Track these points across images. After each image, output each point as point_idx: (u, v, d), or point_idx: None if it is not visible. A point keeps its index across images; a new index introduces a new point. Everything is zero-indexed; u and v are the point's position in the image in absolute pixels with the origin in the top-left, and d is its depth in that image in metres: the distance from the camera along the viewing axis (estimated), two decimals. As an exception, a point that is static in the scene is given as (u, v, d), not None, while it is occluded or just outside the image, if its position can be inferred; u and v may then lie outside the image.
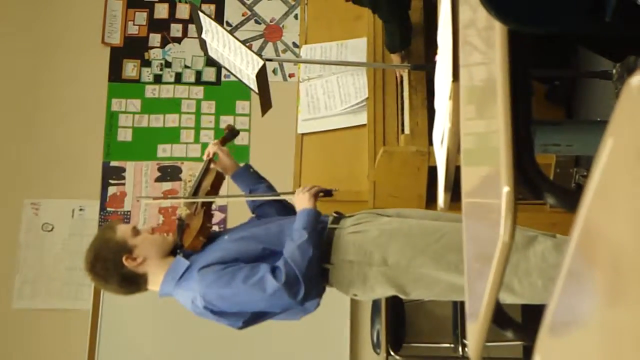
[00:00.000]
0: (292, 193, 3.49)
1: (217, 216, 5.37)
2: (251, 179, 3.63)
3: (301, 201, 3.35)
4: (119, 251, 3.18)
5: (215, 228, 4.43)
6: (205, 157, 3.64)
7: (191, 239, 3.28)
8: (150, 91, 5.86)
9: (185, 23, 5.98)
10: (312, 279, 3.10)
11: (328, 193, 3.51)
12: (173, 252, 3.28)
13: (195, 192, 3.51)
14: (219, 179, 3.57)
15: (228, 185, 4.04)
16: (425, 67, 4.15)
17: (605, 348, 1.14)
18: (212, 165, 3.61)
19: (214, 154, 3.62)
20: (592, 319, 1.20)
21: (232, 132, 3.79)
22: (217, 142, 3.69)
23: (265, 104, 4.10)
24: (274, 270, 3.06)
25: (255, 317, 3.20)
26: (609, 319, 1.13)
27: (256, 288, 3.04)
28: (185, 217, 3.38)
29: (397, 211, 3.47)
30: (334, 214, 3.42)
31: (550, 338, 1.38)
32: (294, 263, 3.08)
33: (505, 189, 1.78)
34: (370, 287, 3.24)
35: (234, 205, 4.39)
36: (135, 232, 3.25)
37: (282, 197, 3.59)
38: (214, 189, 3.54)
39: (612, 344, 1.11)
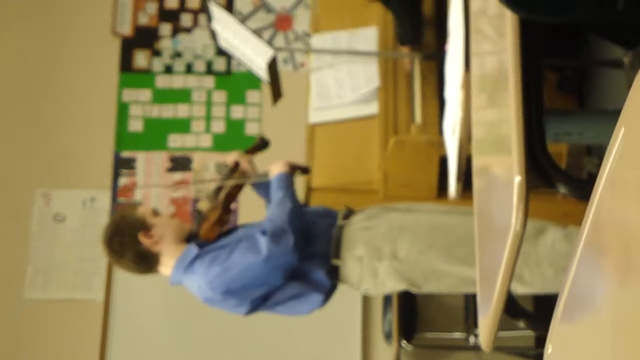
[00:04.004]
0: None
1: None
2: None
3: (275, 169, 3.43)
4: (137, 227, 3.27)
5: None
6: (229, 164, 3.59)
7: (207, 229, 3.33)
8: (161, 81, 5.86)
9: (195, 13, 5.97)
10: (297, 229, 3.21)
11: (304, 170, 3.60)
12: (188, 241, 3.33)
13: (217, 193, 3.50)
14: (238, 186, 3.54)
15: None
16: (436, 56, 4.13)
17: (618, 335, 1.14)
18: (238, 170, 3.56)
19: (237, 164, 3.55)
20: (604, 307, 1.20)
21: (264, 142, 3.70)
22: (242, 152, 3.62)
23: (276, 94, 4.10)
24: (262, 232, 3.20)
25: (261, 297, 3.23)
26: (621, 307, 1.13)
27: (251, 252, 3.15)
28: (204, 209, 3.42)
29: (407, 206, 3.46)
30: (345, 210, 3.42)
31: (562, 327, 1.38)
32: (277, 217, 3.21)
33: (517, 179, 1.78)
34: (381, 282, 3.25)
35: (248, 198, 4.37)
36: (155, 213, 3.35)
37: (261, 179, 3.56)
38: (233, 195, 3.51)
39: (626, 331, 1.10)
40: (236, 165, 3.55)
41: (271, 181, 3.40)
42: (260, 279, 3.17)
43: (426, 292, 3.34)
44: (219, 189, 3.50)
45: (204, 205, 3.45)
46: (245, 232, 3.32)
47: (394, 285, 3.28)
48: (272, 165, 3.46)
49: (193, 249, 3.26)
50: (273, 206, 3.29)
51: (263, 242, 3.15)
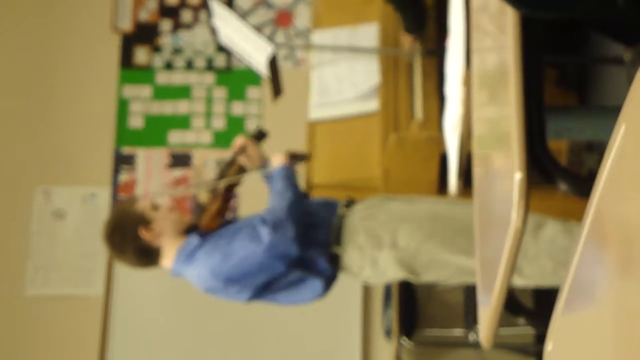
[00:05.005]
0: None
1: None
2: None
3: (275, 161, 3.45)
4: (136, 222, 3.28)
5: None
6: (234, 149, 3.55)
7: (207, 221, 3.35)
8: (161, 77, 5.86)
9: (196, 9, 5.97)
10: (297, 220, 3.23)
11: (304, 157, 3.61)
12: (189, 233, 3.35)
13: (216, 185, 3.50)
14: (238, 177, 3.53)
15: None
16: (437, 52, 4.13)
17: (619, 332, 1.14)
18: (239, 158, 3.54)
19: (244, 147, 3.53)
20: (605, 304, 1.20)
21: (261, 134, 3.64)
22: (249, 137, 3.60)
23: (277, 90, 4.10)
24: (263, 221, 3.22)
25: (264, 284, 3.24)
26: (622, 304, 1.13)
27: (252, 241, 3.19)
28: (205, 201, 3.43)
29: (408, 197, 3.48)
30: (346, 199, 3.43)
31: (563, 323, 1.38)
32: (277, 207, 3.24)
33: (518, 175, 1.78)
34: (381, 271, 3.27)
35: (248, 192, 4.38)
36: (155, 207, 3.36)
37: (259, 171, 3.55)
38: (232, 186, 3.52)
39: (627, 327, 1.10)
40: (239, 151, 3.53)
41: (273, 173, 3.41)
42: (262, 267, 3.19)
43: (425, 281, 3.35)
44: (218, 180, 3.51)
45: (204, 197, 3.47)
46: (245, 222, 3.34)
47: (394, 274, 3.29)
48: (272, 157, 3.47)
49: (194, 239, 3.28)
50: (274, 196, 3.32)
51: (264, 231, 3.18)
